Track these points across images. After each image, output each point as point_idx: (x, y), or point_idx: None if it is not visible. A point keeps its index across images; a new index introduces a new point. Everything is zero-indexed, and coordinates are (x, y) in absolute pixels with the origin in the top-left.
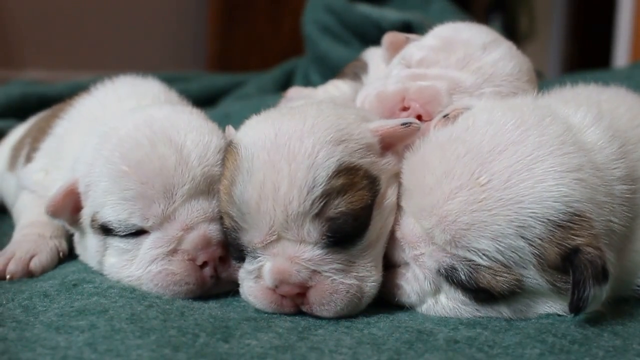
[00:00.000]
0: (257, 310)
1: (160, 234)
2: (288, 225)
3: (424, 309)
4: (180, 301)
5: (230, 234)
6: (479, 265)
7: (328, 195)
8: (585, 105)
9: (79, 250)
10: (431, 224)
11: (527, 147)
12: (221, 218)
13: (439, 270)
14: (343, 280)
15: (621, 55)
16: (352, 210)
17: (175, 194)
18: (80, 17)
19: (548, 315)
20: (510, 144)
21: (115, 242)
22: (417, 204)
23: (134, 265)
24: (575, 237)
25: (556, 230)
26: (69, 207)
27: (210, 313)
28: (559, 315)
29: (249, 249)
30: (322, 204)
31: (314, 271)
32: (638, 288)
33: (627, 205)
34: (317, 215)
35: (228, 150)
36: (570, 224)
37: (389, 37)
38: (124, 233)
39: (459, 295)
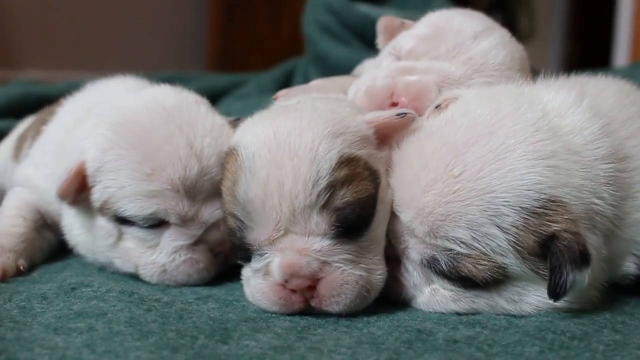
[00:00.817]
0: (256, 311)
1: (182, 229)
2: (295, 219)
3: (424, 300)
4: (179, 304)
5: (235, 234)
6: (459, 253)
7: (333, 187)
8: (567, 88)
9: (75, 231)
10: (410, 217)
11: (500, 136)
12: (225, 220)
13: (422, 262)
14: (353, 271)
15: (621, 55)
16: (357, 200)
17: (197, 197)
18: (80, 17)
19: (547, 313)
20: (483, 134)
21: (134, 232)
22: (398, 198)
23: (156, 253)
24: (551, 224)
25: (530, 218)
26: (74, 188)
27: (209, 315)
28: (558, 313)
29: (255, 247)
30: (328, 195)
31: (324, 262)
32: (623, 274)
33: (614, 185)
34: (324, 206)
35: (227, 153)
36: (545, 211)
37: (383, 21)
38: (146, 225)
39: (448, 285)
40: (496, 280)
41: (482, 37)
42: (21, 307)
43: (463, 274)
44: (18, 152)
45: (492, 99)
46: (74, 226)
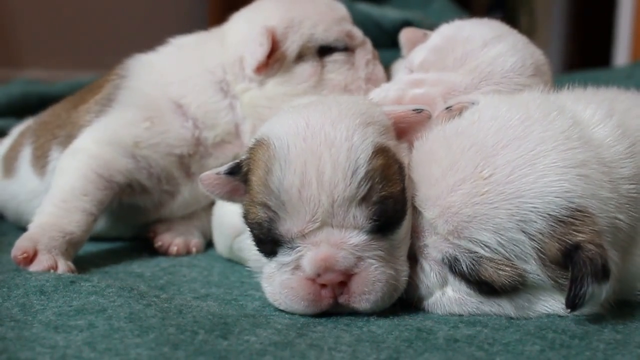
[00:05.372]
0: (255, 308)
1: (365, 49)
2: (334, 210)
3: (431, 302)
4: (179, 300)
5: (263, 226)
6: (481, 257)
7: (371, 178)
8: (596, 103)
9: (279, 89)
10: (434, 215)
11: (531, 142)
12: (247, 214)
13: (443, 260)
14: (384, 269)
15: (621, 55)
16: (392, 194)
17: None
18: (80, 16)
19: (548, 314)
20: (513, 138)
21: (333, 58)
22: (422, 195)
23: (356, 70)
24: (577, 234)
25: (557, 226)
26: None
27: (209, 310)
28: (559, 315)
29: (286, 240)
30: (367, 187)
31: (359, 257)
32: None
33: (633, 205)
34: (363, 199)
35: (255, 145)
36: (572, 220)
37: (406, 33)
38: (343, 47)
39: (463, 287)
40: (514, 287)
41: (492, 45)
42: (21, 304)
43: (483, 278)
44: (9, 168)
45: (521, 105)
46: (280, 85)
